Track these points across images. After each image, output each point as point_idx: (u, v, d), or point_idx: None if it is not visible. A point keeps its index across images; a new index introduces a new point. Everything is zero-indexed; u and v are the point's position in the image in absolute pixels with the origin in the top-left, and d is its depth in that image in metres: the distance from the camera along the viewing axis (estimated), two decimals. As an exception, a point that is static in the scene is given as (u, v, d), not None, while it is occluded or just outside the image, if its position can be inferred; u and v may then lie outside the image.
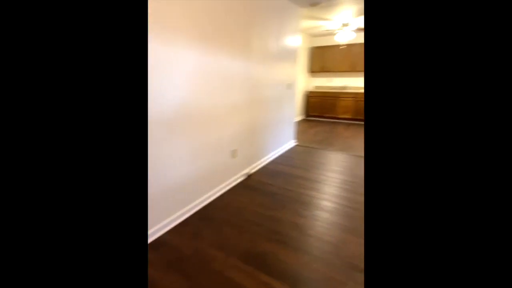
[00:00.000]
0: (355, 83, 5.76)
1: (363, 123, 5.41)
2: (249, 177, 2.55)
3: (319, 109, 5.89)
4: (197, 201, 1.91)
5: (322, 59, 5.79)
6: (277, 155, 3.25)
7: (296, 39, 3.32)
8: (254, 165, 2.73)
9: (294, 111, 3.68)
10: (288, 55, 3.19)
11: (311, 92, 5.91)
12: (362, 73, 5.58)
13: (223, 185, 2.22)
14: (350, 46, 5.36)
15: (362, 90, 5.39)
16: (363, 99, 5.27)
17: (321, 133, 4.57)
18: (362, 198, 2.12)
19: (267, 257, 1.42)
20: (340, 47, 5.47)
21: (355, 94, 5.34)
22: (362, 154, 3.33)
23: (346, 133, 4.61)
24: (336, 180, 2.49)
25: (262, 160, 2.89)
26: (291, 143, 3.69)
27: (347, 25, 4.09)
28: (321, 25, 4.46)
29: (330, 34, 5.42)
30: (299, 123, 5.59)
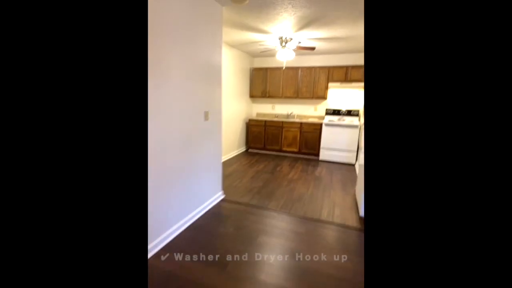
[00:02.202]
0: (301, 111, 5.06)
1: (310, 157, 4.63)
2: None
3: (261, 140, 4.94)
4: None
5: (264, 82, 4.99)
6: (185, 226, 1.99)
7: (217, 51, 2.28)
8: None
9: (219, 150, 2.55)
10: (206, 72, 2.10)
11: (251, 120, 4.97)
12: (308, 100, 4.93)
13: None
14: (295, 69, 4.69)
15: (309, 120, 4.69)
16: (309, 130, 4.54)
17: (262, 174, 3.53)
18: None
19: None
20: (284, 69, 4.75)
21: (301, 124, 4.59)
22: (312, 214, 2.34)
23: (292, 173, 3.68)
24: (272, 295, 1.35)
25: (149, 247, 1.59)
26: (215, 198, 2.50)
27: (287, 41, 3.31)
28: (258, 40, 3.62)
29: (271, 54, 4.69)
30: (238, 157, 4.50)
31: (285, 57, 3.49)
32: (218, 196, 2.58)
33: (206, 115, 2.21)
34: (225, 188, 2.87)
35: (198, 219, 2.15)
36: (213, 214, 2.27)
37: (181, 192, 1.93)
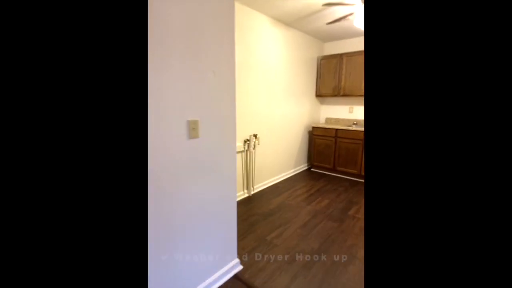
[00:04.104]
0: (396, 115, 3.27)
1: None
2: None
3: (329, 157, 3.47)
4: None
5: (336, 75, 3.50)
6: None
7: (223, 18, 1.16)
8: None
9: (231, 189, 1.40)
10: (188, 43, 1.02)
11: (316, 128, 3.58)
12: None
13: None
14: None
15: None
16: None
17: (322, 221, 2.15)
18: None
19: None
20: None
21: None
22: None
23: (379, 224, 2.11)
24: None
25: None
26: (220, 276, 1.36)
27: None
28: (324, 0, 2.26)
29: (347, 33, 3.18)
30: (294, 180, 3.20)
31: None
32: (228, 270, 1.42)
33: (192, 129, 1.12)
34: (250, 247, 1.69)
35: None
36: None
37: None
